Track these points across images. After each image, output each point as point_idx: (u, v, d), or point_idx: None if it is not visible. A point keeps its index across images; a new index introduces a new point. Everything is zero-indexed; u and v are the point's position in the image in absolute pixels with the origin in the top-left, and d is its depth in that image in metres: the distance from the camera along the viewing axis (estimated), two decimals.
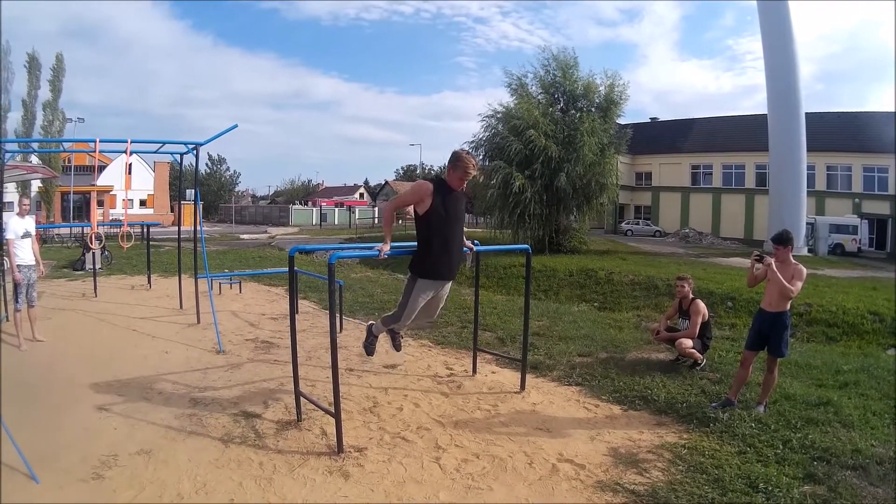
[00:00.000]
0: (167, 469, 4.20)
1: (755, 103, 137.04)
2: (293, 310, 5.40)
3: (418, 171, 72.77)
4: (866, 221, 38.36)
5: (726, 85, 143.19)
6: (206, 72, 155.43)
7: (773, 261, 5.52)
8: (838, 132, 40.85)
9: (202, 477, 4.09)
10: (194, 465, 4.26)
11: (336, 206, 70.61)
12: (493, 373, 7.02)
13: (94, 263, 13.08)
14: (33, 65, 32.99)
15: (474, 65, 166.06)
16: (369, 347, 5.63)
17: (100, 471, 4.12)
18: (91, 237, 9.20)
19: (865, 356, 8.88)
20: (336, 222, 63.85)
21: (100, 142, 8.37)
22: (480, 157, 28.67)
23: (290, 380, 5.35)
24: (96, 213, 32.09)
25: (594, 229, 36.24)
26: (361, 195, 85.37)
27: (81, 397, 5.71)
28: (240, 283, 13.26)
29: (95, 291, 11.96)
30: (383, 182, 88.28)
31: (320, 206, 68.53)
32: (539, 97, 28.64)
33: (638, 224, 49.53)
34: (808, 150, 32.36)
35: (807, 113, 32.55)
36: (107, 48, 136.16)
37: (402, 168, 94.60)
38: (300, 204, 73.40)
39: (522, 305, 7.07)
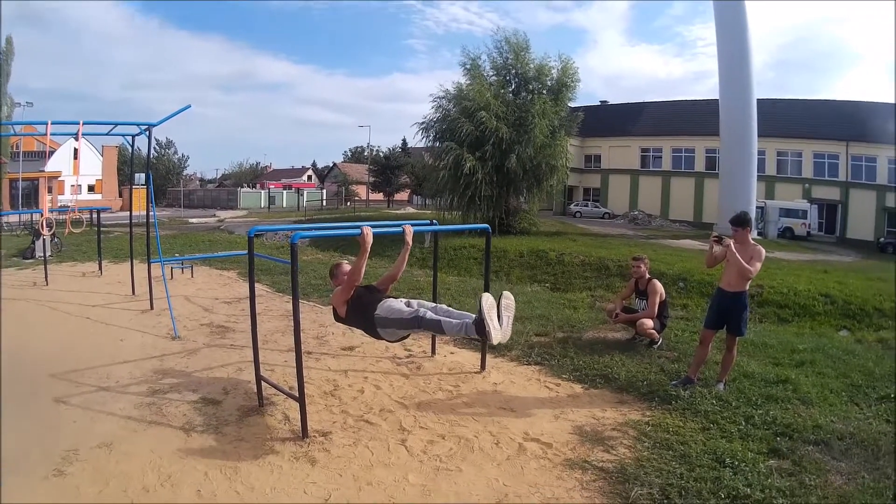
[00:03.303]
0: (130, 462, 4.07)
1: (706, 88, 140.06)
2: (253, 293, 5.23)
3: (366, 154, 72.22)
4: (816, 206, 39.49)
5: (676, 70, 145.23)
6: (154, 56, 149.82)
7: (731, 242, 5.63)
8: (789, 118, 41.94)
9: (166, 468, 3.98)
10: (157, 457, 4.13)
11: (284, 189, 69.82)
12: (452, 353, 7.00)
13: (44, 251, 12.62)
14: None
15: (424, 47, 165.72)
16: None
17: (61, 467, 3.97)
18: (42, 223, 8.86)
19: (819, 336, 9.14)
20: (284, 205, 63.10)
21: (52, 124, 8.03)
22: (431, 138, 28.66)
23: (249, 364, 5.24)
24: (46, 199, 31.06)
25: (543, 211, 36.51)
26: (309, 177, 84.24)
27: (37, 390, 5.49)
28: (192, 267, 13.03)
29: (46, 280, 11.55)
30: (331, 164, 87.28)
31: (268, 189, 67.80)
32: (492, 78, 28.74)
33: (587, 206, 50.06)
34: (759, 135, 33.19)
35: (758, 99, 33.33)
36: (54, 33, 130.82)
37: (351, 150, 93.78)
38: (248, 187, 72.25)
39: (475, 286, 7.04)
